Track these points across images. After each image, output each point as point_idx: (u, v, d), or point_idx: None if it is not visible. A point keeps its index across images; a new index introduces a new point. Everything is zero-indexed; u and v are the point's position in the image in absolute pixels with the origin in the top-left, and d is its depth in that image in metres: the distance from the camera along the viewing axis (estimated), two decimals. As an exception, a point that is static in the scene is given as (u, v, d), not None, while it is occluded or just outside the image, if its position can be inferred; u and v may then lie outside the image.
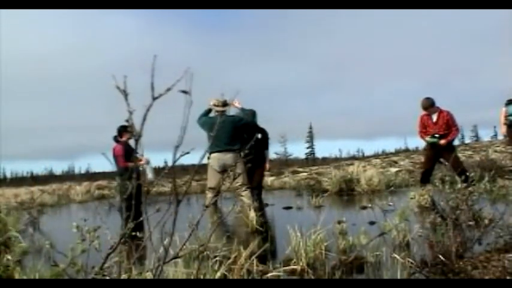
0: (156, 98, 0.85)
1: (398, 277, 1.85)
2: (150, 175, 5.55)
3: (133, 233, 1.17)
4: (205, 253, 2.05)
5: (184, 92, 0.85)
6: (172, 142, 0.98)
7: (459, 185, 2.40)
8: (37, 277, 1.69)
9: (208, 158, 4.83)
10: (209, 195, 4.92)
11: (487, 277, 1.72)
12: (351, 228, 2.89)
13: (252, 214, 3.40)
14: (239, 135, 5.05)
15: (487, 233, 2.21)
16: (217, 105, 5.01)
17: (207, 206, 1.33)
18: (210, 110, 4.96)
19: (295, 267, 2.10)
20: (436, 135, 4.91)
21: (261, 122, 5.51)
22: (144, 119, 0.88)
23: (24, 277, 1.59)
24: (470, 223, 2.20)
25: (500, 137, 5.82)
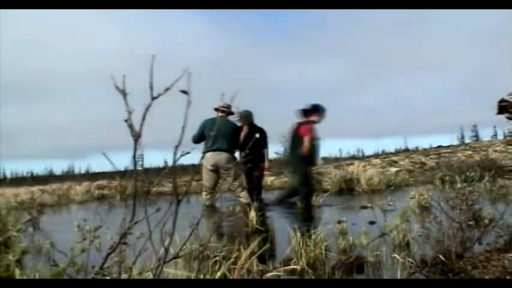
0: (155, 97, 0.85)
1: (398, 277, 1.86)
2: None
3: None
4: (205, 253, 2.05)
5: (184, 92, 0.85)
6: (173, 142, 0.98)
7: (459, 185, 2.40)
8: (37, 277, 1.69)
9: (202, 157, 4.93)
10: (204, 195, 4.96)
11: (487, 277, 1.72)
12: (351, 228, 2.89)
13: (252, 214, 3.40)
14: (236, 139, 5.19)
15: (487, 233, 2.21)
16: (224, 108, 5.15)
17: (207, 206, 1.34)
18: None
19: (295, 267, 2.10)
20: None
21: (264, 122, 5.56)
22: (143, 118, 0.88)
23: (25, 277, 1.59)
24: (470, 223, 2.20)
25: (500, 137, 5.80)
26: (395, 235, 2.46)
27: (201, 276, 1.65)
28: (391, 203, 3.83)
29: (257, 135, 5.43)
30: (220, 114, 5.24)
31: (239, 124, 5.44)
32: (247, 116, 5.48)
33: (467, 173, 2.67)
